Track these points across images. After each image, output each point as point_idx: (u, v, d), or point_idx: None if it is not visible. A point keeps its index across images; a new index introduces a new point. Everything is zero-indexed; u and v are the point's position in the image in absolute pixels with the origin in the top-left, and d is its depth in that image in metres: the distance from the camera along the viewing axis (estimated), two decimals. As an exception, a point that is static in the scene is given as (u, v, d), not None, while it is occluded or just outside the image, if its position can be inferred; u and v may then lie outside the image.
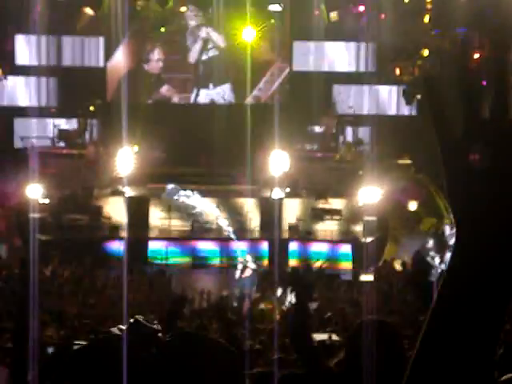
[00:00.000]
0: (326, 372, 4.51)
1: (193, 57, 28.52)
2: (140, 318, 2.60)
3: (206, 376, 2.41)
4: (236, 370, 2.47)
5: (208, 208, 24.41)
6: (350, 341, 4.27)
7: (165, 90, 28.68)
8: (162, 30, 28.01)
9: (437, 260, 21.45)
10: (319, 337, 9.77)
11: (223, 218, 24.39)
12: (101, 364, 2.50)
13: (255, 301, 19.10)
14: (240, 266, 21.56)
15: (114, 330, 2.67)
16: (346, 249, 23.35)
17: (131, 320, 2.56)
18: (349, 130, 28.46)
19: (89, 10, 27.89)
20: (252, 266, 21.45)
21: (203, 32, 28.39)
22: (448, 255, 21.67)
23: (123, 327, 2.76)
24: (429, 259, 21.64)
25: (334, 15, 27.51)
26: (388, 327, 4.18)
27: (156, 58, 28.47)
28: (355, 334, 4.21)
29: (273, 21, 27.78)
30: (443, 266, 21.25)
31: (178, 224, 24.52)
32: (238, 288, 19.83)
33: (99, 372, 2.49)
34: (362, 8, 27.58)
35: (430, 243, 22.29)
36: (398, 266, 21.87)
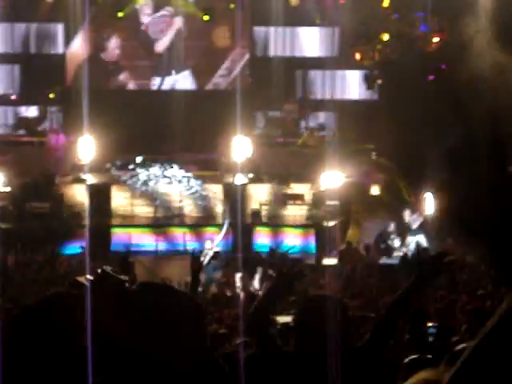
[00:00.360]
0: (279, 353, 4.54)
1: (161, 46, 28.30)
2: (108, 268, 2.66)
3: (170, 320, 2.45)
4: (198, 317, 2.51)
5: (172, 194, 24.42)
6: (298, 317, 4.32)
7: (124, 77, 28.50)
8: (120, 15, 27.79)
9: (397, 243, 21.65)
10: (283, 319, 9.81)
11: (187, 204, 24.40)
12: (50, 320, 2.53)
13: (220, 286, 19.16)
14: (204, 252, 21.56)
15: (81, 279, 2.72)
16: (308, 233, 23.43)
17: (99, 270, 2.61)
18: (311, 116, 28.54)
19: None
20: (216, 251, 21.47)
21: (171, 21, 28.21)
22: (409, 238, 21.89)
23: (90, 277, 2.80)
24: (389, 242, 21.84)
25: (294, 0, 27.46)
26: (333, 301, 4.24)
27: (114, 45, 28.23)
28: (303, 310, 4.25)
29: (232, 6, 27.71)
30: (404, 249, 21.46)
31: (141, 210, 24.47)
32: (203, 274, 19.84)
33: (49, 328, 2.50)
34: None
35: (392, 227, 22.47)
36: (360, 249, 22.00)
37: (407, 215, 22.54)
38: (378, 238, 22.30)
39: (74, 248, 21.78)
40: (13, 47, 27.57)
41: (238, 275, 18.77)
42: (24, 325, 2.61)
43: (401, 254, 20.74)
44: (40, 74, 26.71)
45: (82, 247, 21.31)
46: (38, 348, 2.50)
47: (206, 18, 27.77)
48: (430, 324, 8.89)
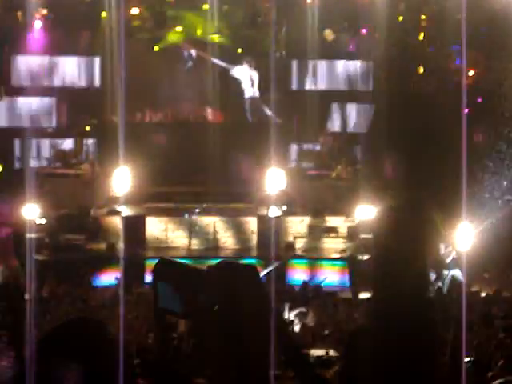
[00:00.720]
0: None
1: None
2: (165, 258, 2.87)
3: (244, 294, 2.68)
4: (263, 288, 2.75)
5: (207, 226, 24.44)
6: (347, 349, 4.27)
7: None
8: (156, 49, 28.05)
9: (432, 276, 21.40)
10: (316, 353, 9.76)
11: (223, 236, 24.39)
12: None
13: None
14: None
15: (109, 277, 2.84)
16: (343, 266, 23.27)
17: (158, 260, 2.82)
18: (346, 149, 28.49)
19: (85, 31, 27.92)
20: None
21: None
22: (444, 273, 21.68)
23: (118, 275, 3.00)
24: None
25: (329, 34, 27.53)
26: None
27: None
28: (351, 342, 4.20)
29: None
30: (439, 284, 21.24)
31: (176, 242, 24.50)
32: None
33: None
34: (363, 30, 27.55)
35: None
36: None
37: (442, 248, 22.28)
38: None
39: (109, 280, 21.85)
40: (45, 80, 27.86)
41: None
42: (45, 347, 2.67)
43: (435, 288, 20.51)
44: (75, 107, 27.02)
45: (118, 279, 21.34)
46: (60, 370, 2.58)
47: (239, 50, 27.98)
48: (466, 359, 8.77)
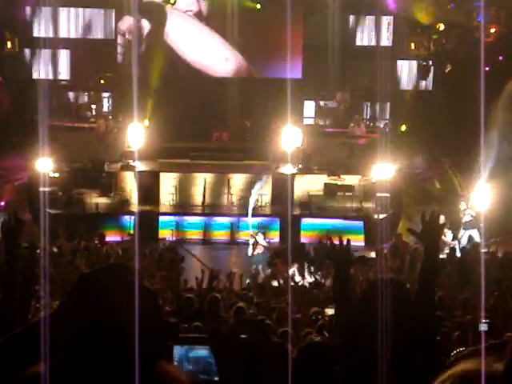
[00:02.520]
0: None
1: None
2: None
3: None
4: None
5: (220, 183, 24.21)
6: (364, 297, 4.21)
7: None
8: (172, 1, 27.65)
9: (449, 236, 21.17)
10: (331, 311, 9.58)
11: (235, 194, 24.17)
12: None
13: (267, 277, 18.88)
14: (251, 242, 21.31)
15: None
16: (358, 225, 23.05)
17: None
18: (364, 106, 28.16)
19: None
20: (263, 242, 21.20)
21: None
22: (461, 232, 21.45)
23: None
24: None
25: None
26: (400, 286, 4.22)
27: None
28: (368, 292, 4.11)
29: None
30: (455, 243, 21.03)
31: (189, 199, 24.32)
32: (251, 264, 19.62)
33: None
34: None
35: (442, 220, 22.00)
36: (411, 242, 21.57)
37: (460, 209, 22.05)
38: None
39: (126, 222, 21.96)
40: (63, 32, 27.58)
41: (292, 268, 18.34)
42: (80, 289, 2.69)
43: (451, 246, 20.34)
44: (90, 60, 26.71)
45: (130, 234, 21.21)
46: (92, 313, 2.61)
47: (258, 6, 27.54)
48: (483, 321, 8.57)
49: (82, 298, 2.62)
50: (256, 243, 19.99)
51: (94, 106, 27.55)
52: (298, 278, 17.55)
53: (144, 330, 2.51)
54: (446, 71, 26.28)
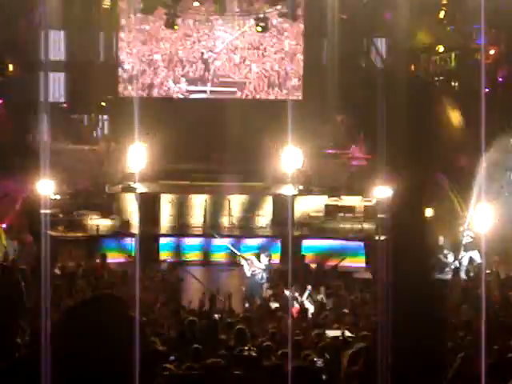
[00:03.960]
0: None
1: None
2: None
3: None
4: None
5: (221, 204, 24.20)
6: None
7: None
8: (176, 27, 27.70)
9: (450, 258, 21.17)
10: (332, 333, 9.59)
11: (235, 215, 24.17)
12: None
13: (267, 299, 18.85)
14: (246, 264, 21.28)
15: None
16: (358, 246, 23.03)
17: None
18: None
19: (104, 4, 27.59)
20: (264, 263, 21.16)
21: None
22: (462, 254, 21.43)
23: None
24: (442, 257, 21.36)
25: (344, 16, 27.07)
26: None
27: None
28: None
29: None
30: (456, 263, 21.01)
31: (190, 220, 24.33)
32: (250, 285, 19.58)
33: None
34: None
35: (442, 240, 22.02)
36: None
37: (461, 230, 22.05)
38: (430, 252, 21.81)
39: (126, 243, 21.92)
40: (64, 55, 27.65)
41: (289, 289, 18.29)
42: (69, 320, 2.75)
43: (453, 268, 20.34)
44: (91, 83, 26.73)
45: (131, 256, 21.23)
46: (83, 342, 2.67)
47: (259, 29, 27.62)
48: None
49: (69, 330, 2.66)
50: (251, 264, 19.94)
51: (94, 129, 27.58)
52: (300, 299, 17.51)
53: (129, 359, 2.55)
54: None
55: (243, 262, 19.88)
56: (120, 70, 27.90)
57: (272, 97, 28.23)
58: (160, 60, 28.08)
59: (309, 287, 17.82)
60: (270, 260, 20.42)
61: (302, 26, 27.85)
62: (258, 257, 20.06)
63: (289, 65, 28.23)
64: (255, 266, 19.64)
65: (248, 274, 19.69)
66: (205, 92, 28.34)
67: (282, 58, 28.23)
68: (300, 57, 28.13)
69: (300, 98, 27.88)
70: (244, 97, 28.34)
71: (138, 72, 27.53)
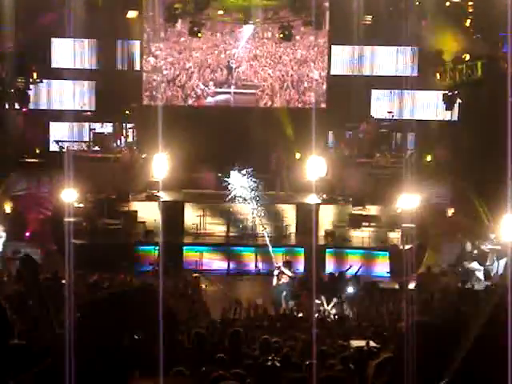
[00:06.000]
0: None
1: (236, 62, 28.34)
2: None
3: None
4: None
5: (245, 213, 24.07)
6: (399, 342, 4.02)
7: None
8: (200, 35, 27.66)
9: (476, 265, 20.99)
10: (356, 343, 9.45)
11: (259, 224, 24.05)
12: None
13: (291, 308, 18.75)
14: (276, 273, 21.16)
15: None
16: (383, 256, 22.86)
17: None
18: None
19: (129, 14, 27.60)
20: (288, 272, 21.04)
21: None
22: (493, 262, 21.20)
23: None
24: (467, 265, 21.18)
25: (369, 19, 26.87)
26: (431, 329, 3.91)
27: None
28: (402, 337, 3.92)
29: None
30: (483, 271, 20.82)
31: (213, 229, 24.25)
32: (274, 295, 19.48)
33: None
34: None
35: (469, 247, 21.83)
36: (439, 274, 21.33)
37: (486, 239, 21.85)
38: (456, 261, 21.69)
39: (145, 267, 21.69)
40: (85, 63, 27.67)
41: (314, 299, 18.17)
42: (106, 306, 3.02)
43: (478, 275, 20.17)
44: (115, 91, 26.72)
45: (152, 265, 21.19)
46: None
47: (282, 36, 27.53)
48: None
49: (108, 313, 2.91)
50: (281, 273, 19.83)
51: (118, 137, 27.56)
52: (324, 308, 17.41)
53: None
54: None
55: (276, 271, 19.81)
56: (155, 76, 28.08)
57: (297, 105, 28.14)
58: (192, 66, 28.32)
59: (334, 299, 17.71)
60: (294, 269, 20.34)
61: (325, 33, 27.76)
62: (285, 266, 19.99)
63: (311, 72, 28.15)
64: (284, 275, 19.57)
65: (274, 283, 19.61)
66: (229, 93, 28.41)
67: (305, 65, 28.16)
68: (324, 65, 28.04)
69: (324, 106, 27.78)
70: (265, 101, 28.30)
71: (170, 78, 27.62)
